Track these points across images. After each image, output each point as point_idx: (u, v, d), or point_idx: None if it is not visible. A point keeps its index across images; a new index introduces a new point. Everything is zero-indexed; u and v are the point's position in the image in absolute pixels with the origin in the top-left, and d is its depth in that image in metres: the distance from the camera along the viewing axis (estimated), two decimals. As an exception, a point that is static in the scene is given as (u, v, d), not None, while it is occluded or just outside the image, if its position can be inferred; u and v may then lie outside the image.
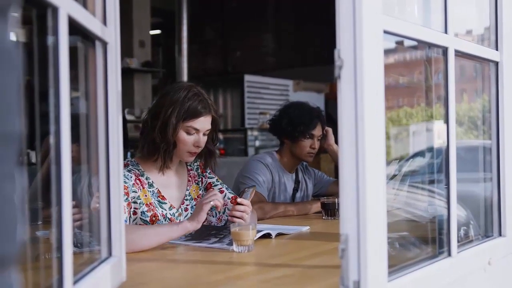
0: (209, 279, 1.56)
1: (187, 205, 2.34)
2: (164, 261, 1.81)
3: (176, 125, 2.17)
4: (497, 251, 1.75)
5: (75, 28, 1.11)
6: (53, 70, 1.01)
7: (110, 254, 1.38)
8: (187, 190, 2.36)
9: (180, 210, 2.30)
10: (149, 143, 2.21)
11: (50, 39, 1.02)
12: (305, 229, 2.36)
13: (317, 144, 3.03)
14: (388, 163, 1.30)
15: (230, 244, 1.91)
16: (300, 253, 1.91)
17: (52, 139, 1.03)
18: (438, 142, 1.93)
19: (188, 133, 2.20)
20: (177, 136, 2.19)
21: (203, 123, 2.22)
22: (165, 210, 2.24)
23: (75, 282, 1.10)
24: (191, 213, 2.31)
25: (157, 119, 2.19)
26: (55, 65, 1.01)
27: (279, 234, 2.19)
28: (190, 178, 2.40)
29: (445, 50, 1.52)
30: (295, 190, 3.14)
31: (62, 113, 1.02)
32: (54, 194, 1.02)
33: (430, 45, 1.56)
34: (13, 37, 0.57)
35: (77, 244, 1.34)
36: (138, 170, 2.22)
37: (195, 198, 2.37)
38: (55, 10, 1.00)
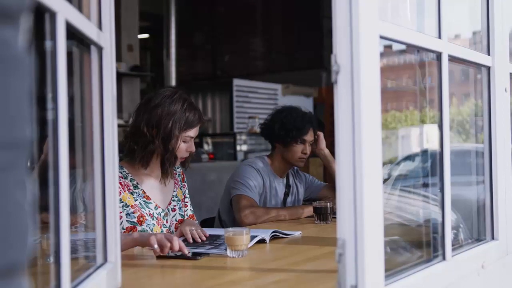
0: (204, 284, 1.56)
1: (174, 205, 2.41)
2: (159, 267, 1.81)
3: (179, 137, 2.26)
4: (490, 255, 1.76)
5: (71, 32, 1.11)
6: (51, 74, 1.01)
7: (105, 260, 1.37)
8: (174, 191, 2.43)
9: (166, 210, 2.36)
10: (149, 154, 2.26)
11: (47, 44, 1.01)
12: (298, 233, 2.36)
13: (308, 149, 3.04)
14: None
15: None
16: (295, 258, 1.91)
17: (49, 144, 1.02)
18: (428, 146, 1.95)
19: (184, 141, 2.30)
20: (178, 147, 2.28)
21: (197, 130, 2.34)
22: (151, 209, 2.28)
23: (72, 288, 1.09)
24: (179, 213, 2.40)
25: (155, 129, 2.23)
26: (53, 70, 1.01)
27: (273, 237, 2.19)
28: (176, 181, 2.47)
29: (439, 55, 1.53)
30: (286, 194, 3.14)
31: (59, 118, 1.01)
32: (52, 200, 1.01)
33: (425, 50, 1.57)
34: (24, 43, 0.56)
35: (71, 249, 1.33)
36: (121, 173, 2.25)
37: (181, 200, 2.45)
38: (53, 15, 0.99)
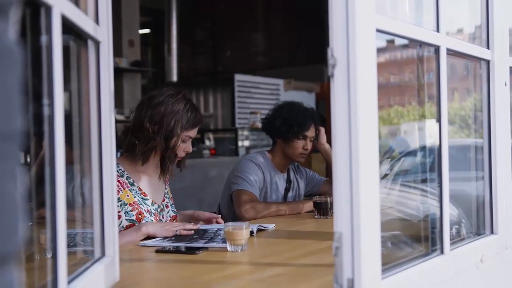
0: (202, 278, 1.56)
1: (167, 202, 2.46)
2: (157, 261, 1.81)
3: (180, 136, 2.29)
4: (489, 249, 1.76)
5: (67, 27, 1.11)
6: (47, 69, 1.01)
7: (103, 254, 1.37)
8: (166, 189, 2.48)
9: (161, 206, 2.40)
10: (150, 150, 2.29)
11: (43, 38, 1.01)
12: (271, 226, 2.39)
13: (309, 145, 3.03)
14: (380, 162, 1.30)
15: (224, 242, 1.91)
16: (293, 252, 1.91)
17: (45, 140, 1.02)
18: (430, 141, 1.95)
19: (183, 141, 2.33)
20: (179, 145, 2.30)
21: (196, 131, 2.38)
22: (149, 206, 2.32)
23: (69, 282, 1.10)
24: (172, 210, 2.46)
25: (157, 126, 2.26)
26: (48, 65, 1.01)
27: (259, 230, 2.25)
28: (167, 180, 2.51)
29: (437, 49, 1.53)
30: (287, 189, 3.14)
31: (55, 113, 1.01)
32: (48, 195, 1.01)
33: (422, 44, 1.57)
34: (13, 35, 0.57)
35: (69, 244, 1.33)
36: (118, 171, 2.26)
37: (171, 198, 2.50)
38: (48, 9, 0.99)
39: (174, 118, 2.27)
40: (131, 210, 2.24)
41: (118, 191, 2.22)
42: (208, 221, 2.44)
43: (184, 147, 2.34)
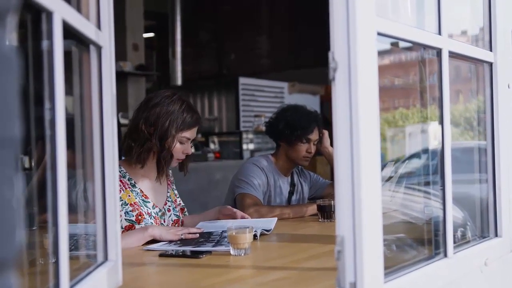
0: (206, 282, 1.56)
1: (169, 206, 2.46)
2: (160, 265, 1.81)
3: (175, 136, 2.28)
4: (493, 252, 1.76)
5: (69, 32, 1.11)
6: (48, 74, 1.01)
7: (106, 258, 1.37)
8: (168, 192, 2.48)
9: (163, 210, 2.40)
10: (146, 151, 2.29)
11: (44, 43, 1.02)
12: (274, 221, 2.42)
13: (313, 148, 3.03)
14: (384, 164, 1.30)
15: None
16: (297, 256, 1.91)
17: (47, 144, 1.02)
18: (434, 143, 1.94)
19: (181, 142, 2.33)
20: (174, 146, 2.29)
21: (194, 132, 2.37)
22: (149, 208, 2.32)
23: (72, 286, 1.10)
24: (174, 214, 2.45)
25: (153, 127, 2.27)
26: (49, 69, 1.01)
27: (262, 234, 2.24)
28: (169, 183, 2.51)
29: (439, 52, 1.53)
30: (291, 193, 3.14)
31: (57, 118, 1.01)
32: (50, 200, 1.01)
33: (424, 47, 1.57)
34: (11, 41, 0.57)
35: (72, 247, 1.33)
36: (120, 172, 2.27)
37: (174, 202, 2.49)
38: (49, 14, 1.00)
39: (169, 118, 2.27)
40: (132, 211, 2.24)
41: (120, 190, 2.22)
42: (232, 217, 2.47)
43: (182, 149, 2.33)
